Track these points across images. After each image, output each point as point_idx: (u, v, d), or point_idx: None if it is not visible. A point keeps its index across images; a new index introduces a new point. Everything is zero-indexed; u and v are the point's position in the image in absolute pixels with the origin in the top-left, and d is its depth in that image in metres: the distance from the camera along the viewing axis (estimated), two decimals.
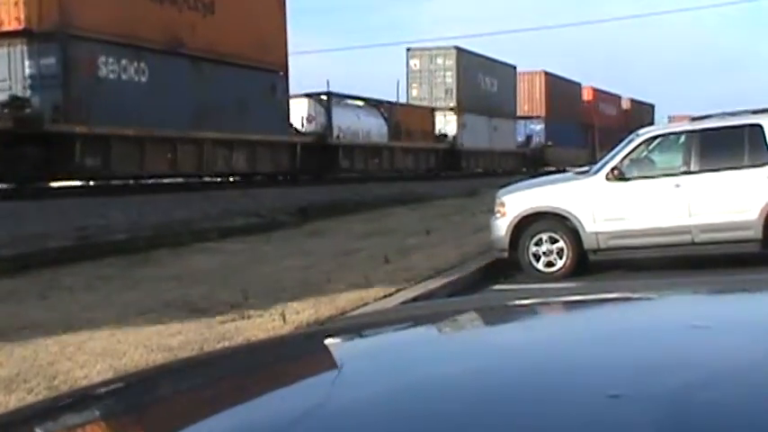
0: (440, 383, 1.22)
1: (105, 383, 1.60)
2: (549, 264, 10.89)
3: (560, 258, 10.88)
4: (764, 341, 1.27)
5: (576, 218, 10.84)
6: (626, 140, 11.65)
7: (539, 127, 58.14)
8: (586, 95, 68.01)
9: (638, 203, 10.78)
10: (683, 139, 11.10)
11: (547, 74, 59.98)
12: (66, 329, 7.21)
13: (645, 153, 11.11)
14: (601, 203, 10.83)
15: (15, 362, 6.12)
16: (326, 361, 1.53)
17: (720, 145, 10.84)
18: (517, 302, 1.92)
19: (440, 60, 46.56)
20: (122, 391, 1.49)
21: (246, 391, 1.37)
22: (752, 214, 10.48)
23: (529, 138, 56.86)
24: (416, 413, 1.14)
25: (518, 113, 55.75)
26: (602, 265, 11.00)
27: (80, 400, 1.50)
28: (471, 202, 22.44)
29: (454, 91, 45.88)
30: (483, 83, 48.92)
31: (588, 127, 66.07)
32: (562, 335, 1.48)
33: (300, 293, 8.81)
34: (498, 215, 11.23)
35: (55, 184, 22.22)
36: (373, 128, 36.84)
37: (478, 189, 27.71)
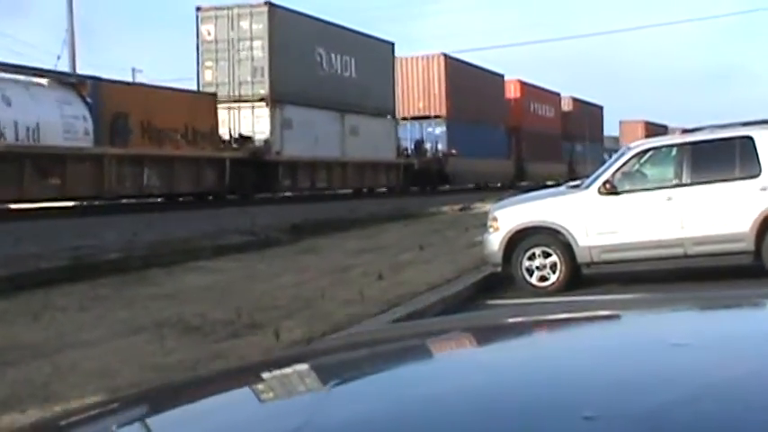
0: (427, 402, 1.23)
1: (100, 405, 1.61)
2: (543, 278, 10.91)
3: (554, 272, 10.89)
4: (744, 358, 1.28)
5: (568, 232, 10.86)
6: (618, 153, 11.68)
7: (438, 130, 43.51)
8: (512, 91, 53.31)
9: (631, 217, 10.81)
10: (674, 151, 11.13)
11: (448, 59, 44.73)
12: (59, 350, 7.19)
13: (636, 166, 11.14)
14: (593, 217, 10.85)
15: (8, 383, 6.11)
16: (319, 380, 1.53)
17: (712, 157, 10.88)
18: (505, 321, 1.93)
19: (245, 24, 30.14)
20: (117, 412, 1.50)
21: (239, 413, 1.38)
22: (744, 226, 10.51)
23: (419, 144, 42.36)
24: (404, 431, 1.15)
25: (407, 112, 42.82)
26: (595, 279, 11.02)
27: (74, 421, 1.51)
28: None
29: (266, 71, 30.01)
30: (326, 62, 33.74)
31: (514, 131, 52.51)
32: (548, 354, 1.49)
33: (294, 311, 8.80)
34: (491, 230, 11.25)
35: (48, 205, 22.21)
36: (54, 122, 21.14)
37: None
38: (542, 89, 59.34)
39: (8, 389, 5.93)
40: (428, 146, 42.90)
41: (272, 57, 30.11)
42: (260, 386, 1.58)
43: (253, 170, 28.78)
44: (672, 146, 11.33)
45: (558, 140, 60.70)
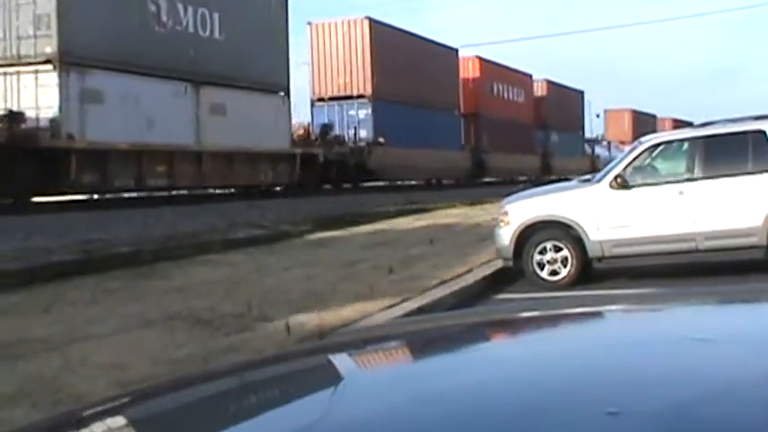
0: (440, 398, 1.22)
1: (110, 399, 1.60)
2: (554, 272, 10.90)
3: (564, 267, 10.88)
4: (767, 354, 1.26)
5: (579, 226, 10.84)
6: (629, 148, 11.67)
7: (362, 113, 34.92)
8: (470, 70, 45.22)
9: (642, 211, 10.79)
10: (686, 146, 11.11)
11: (374, 23, 35.76)
12: (70, 343, 7.21)
13: (648, 160, 11.12)
14: (605, 211, 10.83)
15: (19, 376, 6.12)
16: (330, 376, 1.52)
17: (724, 152, 10.85)
18: (518, 315, 1.92)
19: None
20: (127, 407, 1.49)
21: (251, 407, 1.37)
22: (756, 221, 10.48)
23: (326, 130, 33.64)
24: (418, 428, 1.14)
25: (324, 91, 35.15)
26: (606, 274, 11.00)
27: (85, 416, 1.50)
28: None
29: (53, 20, 21.20)
30: (167, 14, 24.40)
31: (472, 118, 44.45)
32: (563, 349, 1.47)
33: (305, 304, 8.80)
34: (502, 224, 11.24)
35: (60, 198, 22.29)
36: None
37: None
38: (509, 69, 50.95)
39: (19, 382, 5.94)
40: (351, 133, 34.47)
41: (59, 3, 21.13)
42: (273, 381, 1.57)
43: (29, 162, 20.16)
44: (683, 140, 11.31)
45: (530, 129, 53.15)
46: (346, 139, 34.16)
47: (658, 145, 11.31)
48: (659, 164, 11.24)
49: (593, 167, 59.90)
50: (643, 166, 11.04)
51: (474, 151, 44.36)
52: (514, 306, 3.93)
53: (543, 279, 10.88)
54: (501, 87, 48.95)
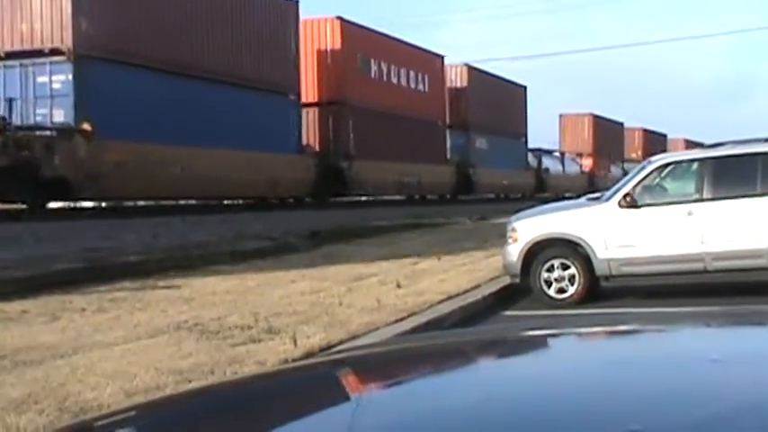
0: (450, 415, 1.22)
1: (118, 413, 1.61)
2: (561, 290, 10.88)
3: (572, 285, 10.86)
4: None
5: (587, 244, 10.83)
6: (639, 167, 11.67)
7: (58, 80, 21.28)
8: (326, 37, 31.83)
9: (651, 230, 10.78)
10: (695, 166, 11.11)
11: None
12: (76, 351, 7.22)
13: (657, 180, 11.12)
14: (613, 230, 10.83)
15: (26, 383, 6.13)
16: (336, 391, 1.53)
17: (733, 173, 10.85)
18: (529, 333, 1.91)
19: None
20: (138, 420, 1.50)
21: (255, 423, 1.37)
22: (764, 242, 10.46)
23: None
24: None
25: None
26: (613, 292, 10.98)
27: (93, 428, 1.51)
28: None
29: None
30: None
31: (332, 109, 31.59)
32: (578, 368, 1.47)
33: (311, 317, 8.80)
34: (510, 241, 11.24)
35: (67, 205, 22.34)
36: None
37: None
38: (402, 43, 36.86)
39: (26, 389, 5.95)
40: (43, 113, 21.29)
41: None
42: (279, 395, 1.57)
43: None
44: (693, 160, 11.30)
45: (439, 130, 39.65)
46: (12, 122, 20.38)
47: (667, 165, 11.31)
48: (668, 184, 11.23)
49: (540, 183, 50.26)
50: (652, 186, 11.04)
51: (326, 157, 31.07)
52: (526, 324, 3.93)
53: (550, 296, 10.88)
54: (385, 68, 35.08)
